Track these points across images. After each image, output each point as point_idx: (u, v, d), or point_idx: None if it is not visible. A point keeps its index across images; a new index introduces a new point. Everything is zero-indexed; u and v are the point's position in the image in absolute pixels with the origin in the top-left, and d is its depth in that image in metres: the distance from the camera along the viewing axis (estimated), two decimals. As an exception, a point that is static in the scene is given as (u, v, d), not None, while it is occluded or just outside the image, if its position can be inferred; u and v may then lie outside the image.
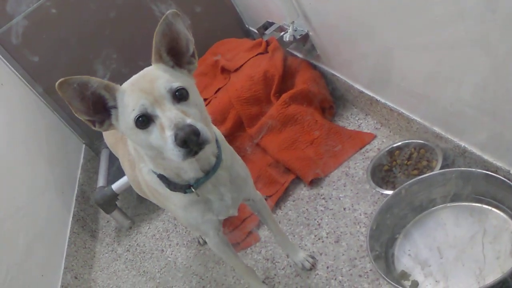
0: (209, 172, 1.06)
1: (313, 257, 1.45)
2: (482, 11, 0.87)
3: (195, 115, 0.91)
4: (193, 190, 1.05)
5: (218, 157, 1.08)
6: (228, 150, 1.17)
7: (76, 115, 0.92)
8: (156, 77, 0.93)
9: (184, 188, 1.05)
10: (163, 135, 0.87)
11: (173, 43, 0.97)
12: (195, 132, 0.85)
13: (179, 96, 0.91)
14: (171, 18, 0.93)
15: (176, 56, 0.99)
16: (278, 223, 1.52)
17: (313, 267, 1.44)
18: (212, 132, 1.06)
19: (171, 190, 1.07)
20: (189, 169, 1.03)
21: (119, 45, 2.58)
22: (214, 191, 1.10)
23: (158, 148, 0.91)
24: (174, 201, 1.12)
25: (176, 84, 0.91)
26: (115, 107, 0.95)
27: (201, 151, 0.88)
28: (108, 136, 1.55)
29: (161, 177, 1.06)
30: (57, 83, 0.85)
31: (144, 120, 0.89)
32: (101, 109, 0.95)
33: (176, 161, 0.89)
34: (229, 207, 1.16)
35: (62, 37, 2.56)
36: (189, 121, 0.86)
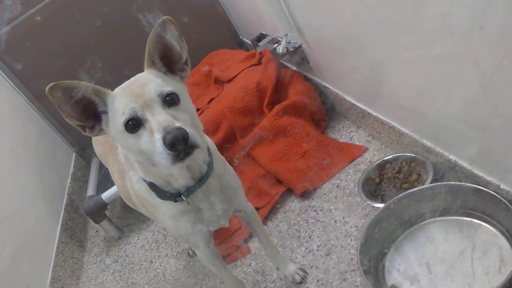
0: (200, 180, 1.05)
1: (303, 270, 1.44)
2: (471, 28, 0.88)
3: (185, 120, 0.91)
4: (183, 198, 1.04)
5: (210, 166, 1.07)
6: (220, 159, 1.16)
7: (66, 120, 0.91)
8: (147, 82, 0.93)
9: (174, 196, 1.04)
10: (152, 139, 0.87)
11: (166, 50, 0.97)
12: (184, 135, 0.84)
13: (170, 101, 0.91)
14: (165, 25, 0.93)
15: (169, 63, 0.99)
16: (269, 235, 1.51)
17: (303, 280, 1.42)
18: (204, 139, 1.05)
19: (161, 198, 1.05)
20: (179, 176, 1.01)
21: (106, 54, 2.60)
22: (205, 200, 1.08)
23: (147, 153, 0.90)
24: (164, 210, 1.11)
25: (167, 89, 0.91)
26: (105, 112, 0.94)
27: (190, 156, 0.88)
28: (98, 146, 1.54)
29: (151, 185, 1.04)
30: (47, 88, 0.85)
31: (134, 124, 0.89)
32: (92, 114, 0.94)
33: (165, 165, 0.88)
34: (220, 218, 1.14)
35: (51, 45, 2.58)
36: (178, 124, 0.86)
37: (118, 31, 2.59)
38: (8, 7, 2.19)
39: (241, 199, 1.25)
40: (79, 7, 2.53)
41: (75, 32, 2.57)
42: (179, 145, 0.84)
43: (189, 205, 1.06)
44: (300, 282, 1.42)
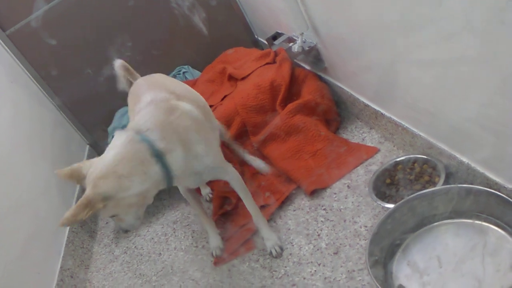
0: None
1: (281, 248, 1.56)
2: (491, 25, 0.88)
3: None
4: None
5: None
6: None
7: None
8: None
9: None
10: None
11: None
12: None
13: None
14: None
15: None
16: (253, 201, 1.62)
17: (279, 256, 1.56)
18: None
19: None
20: None
21: (135, 35, 2.59)
22: None
23: None
24: None
25: None
26: None
27: None
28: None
29: None
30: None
31: None
32: None
33: None
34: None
35: (73, 36, 2.61)
36: None
37: (145, 19, 2.56)
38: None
39: (213, 168, 1.46)
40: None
41: (100, 23, 2.58)
42: None
43: None
44: (276, 257, 1.56)
